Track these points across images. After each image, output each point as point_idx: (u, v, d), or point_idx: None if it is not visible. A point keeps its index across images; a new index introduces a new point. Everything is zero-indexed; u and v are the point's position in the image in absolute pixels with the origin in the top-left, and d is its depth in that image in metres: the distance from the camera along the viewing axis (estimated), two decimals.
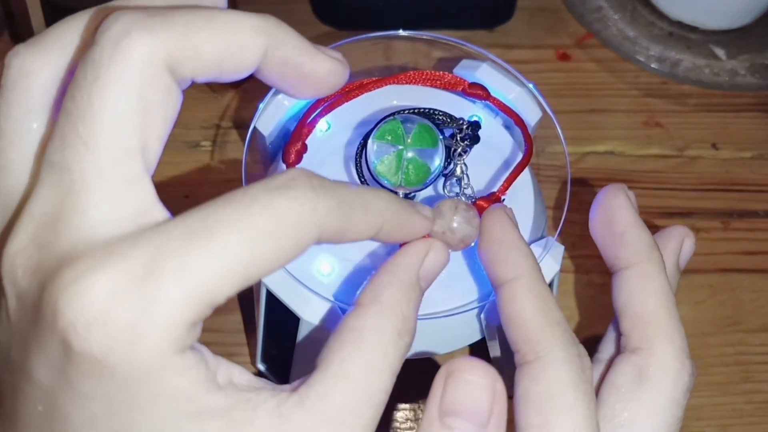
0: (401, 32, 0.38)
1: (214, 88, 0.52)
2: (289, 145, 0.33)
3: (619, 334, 0.27)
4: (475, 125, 0.33)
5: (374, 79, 0.34)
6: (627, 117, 0.54)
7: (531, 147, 0.32)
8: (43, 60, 0.22)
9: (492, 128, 0.36)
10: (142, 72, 0.20)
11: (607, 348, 0.29)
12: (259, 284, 0.33)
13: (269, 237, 0.19)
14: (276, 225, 0.19)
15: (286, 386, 0.21)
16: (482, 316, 0.32)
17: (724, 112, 0.54)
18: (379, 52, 0.46)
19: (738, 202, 0.50)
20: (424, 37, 0.40)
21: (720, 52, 0.56)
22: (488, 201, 0.30)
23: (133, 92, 0.20)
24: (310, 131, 0.34)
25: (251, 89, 0.52)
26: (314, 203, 0.20)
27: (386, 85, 0.34)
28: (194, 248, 0.18)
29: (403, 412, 0.41)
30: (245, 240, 0.19)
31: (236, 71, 0.23)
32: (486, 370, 0.22)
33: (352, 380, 0.20)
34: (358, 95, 0.34)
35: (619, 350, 0.27)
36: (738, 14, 0.57)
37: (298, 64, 0.24)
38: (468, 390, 0.21)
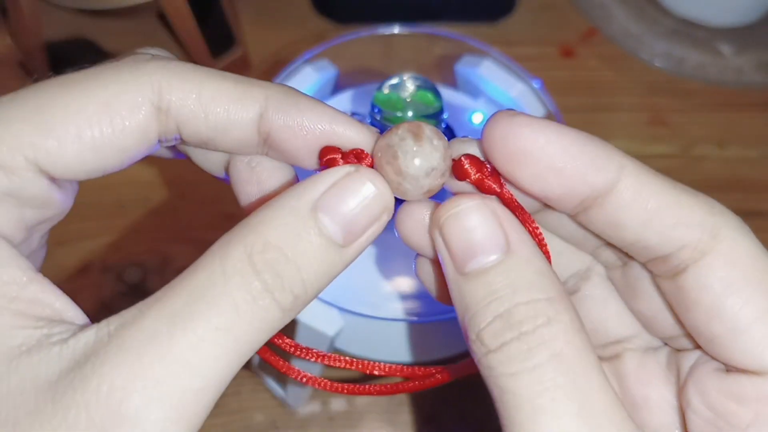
0: (402, 29, 0.37)
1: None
2: None
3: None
4: None
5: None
6: (632, 115, 0.53)
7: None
8: None
9: None
10: None
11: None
12: None
13: None
14: None
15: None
16: None
17: (730, 110, 0.53)
18: (380, 47, 0.45)
19: (744, 201, 0.49)
20: (427, 33, 0.40)
21: (726, 49, 0.56)
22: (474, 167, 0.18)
23: None
24: None
25: None
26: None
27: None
28: None
29: None
30: None
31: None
32: (468, 198, 0.17)
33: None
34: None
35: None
36: (744, 11, 0.56)
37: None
38: (462, 228, 0.17)
